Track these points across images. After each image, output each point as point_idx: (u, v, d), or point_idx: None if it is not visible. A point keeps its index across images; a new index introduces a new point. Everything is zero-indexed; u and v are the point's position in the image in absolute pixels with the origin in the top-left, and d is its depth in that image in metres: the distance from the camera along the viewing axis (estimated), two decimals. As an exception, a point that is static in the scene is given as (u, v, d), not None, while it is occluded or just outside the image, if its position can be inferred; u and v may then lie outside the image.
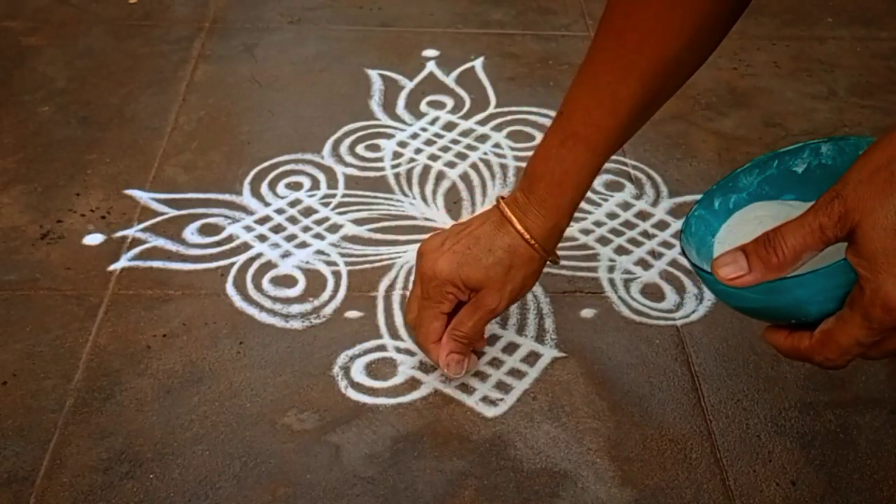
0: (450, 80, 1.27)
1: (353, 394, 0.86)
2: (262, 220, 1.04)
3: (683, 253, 0.64)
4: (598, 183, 1.10)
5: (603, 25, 0.74)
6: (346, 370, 0.88)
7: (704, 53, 0.76)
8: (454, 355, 0.83)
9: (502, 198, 0.80)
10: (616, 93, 0.73)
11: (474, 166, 1.13)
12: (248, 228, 1.03)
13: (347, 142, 1.16)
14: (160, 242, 1.01)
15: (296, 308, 0.94)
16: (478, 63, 1.30)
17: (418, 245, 0.83)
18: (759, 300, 0.58)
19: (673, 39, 0.72)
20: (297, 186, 1.09)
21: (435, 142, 1.16)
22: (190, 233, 1.02)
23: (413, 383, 0.87)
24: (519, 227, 0.79)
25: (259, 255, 1.00)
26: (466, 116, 1.20)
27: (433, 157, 1.14)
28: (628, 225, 1.04)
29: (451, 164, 1.13)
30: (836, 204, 0.53)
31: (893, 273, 0.51)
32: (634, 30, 0.72)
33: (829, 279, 0.54)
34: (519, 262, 0.79)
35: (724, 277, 0.57)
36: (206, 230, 1.03)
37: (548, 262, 0.82)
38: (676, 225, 1.04)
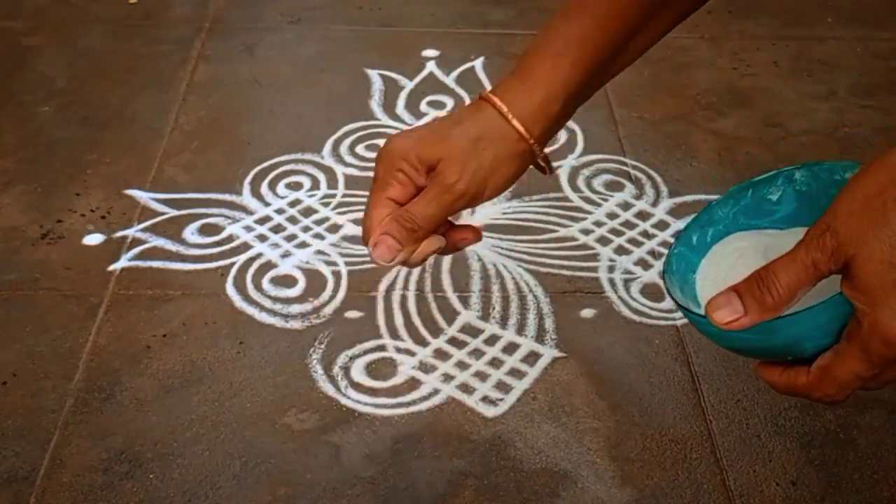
0: (450, 80, 1.27)
1: (353, 394, 0.86)
2: (262, 220, 1.04)
3: (669, 294, 0.63)
4: (598, 183, 1.10)
5: None
6: (346, 370, 0.88)
7: None
8: (387, 237, 0.63)
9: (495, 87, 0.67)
10: None
11: (474, 166, 1.13)
12: (248, 228, 1.03)
13: (347, 142, 1.16)
14: (160, 242, 1.01)
15: (296, 308, 0.94)
16: (478, 63, 1.30)
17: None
18: (753, 340, 0.57)
19: None
20: (297, 186, 1.09)
21: (435, 142, 1.16)
22: (190, 233, 1.02)
23: (413, 383, 0.87)
24: (497, 101, 0.64)
25: (259, 255, 1.00)
26: (466, 116, 1.20)
27: (433, 157, 1.14)
28: (628, 225, 1.04)
29: (451, 164, 1.13)
30: (828, 237, 0.52)
31: (891, 305, 0.50)
32: None
33: (824, 315, 0.54)
34: (490, 136, 0.63)
35: (720, 322, 0.55)
36: (206, 230, 1.03)
37: (539, 159, 0.66)
38: (676, 225, 1.04)
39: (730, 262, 0.64)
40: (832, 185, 0.61)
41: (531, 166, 0.65)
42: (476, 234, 0.67)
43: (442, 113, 1.21)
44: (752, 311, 0.55)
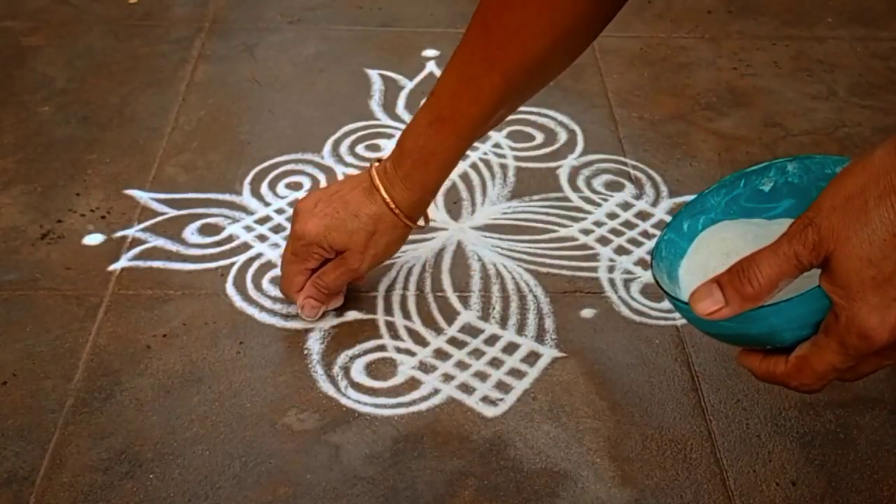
0: (450, 80, 1.26)
1: (353, 394, 0.86)
2: (262, 220, 1.04)
3: (655, 279, 0.63)
4: (598, 183, 1.10)
5: (476, 16, 0.78)
6: (346, 370, 0.88)
7: (570, 56, 0.80)
8: (311, 300, 0.89)
9: (376, 163, 0.85)
10: (480, 84, 0.78)
11: (474, 166, 1.13)
12: (248, 228, 1.03)
13: (347, 142, 1.16)
14: (160, 242, 1.01)
15: (296, 308, 0.94)
16: (478, 63, 1.30)
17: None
18: (733, 328, 0.58)
19: (537, 40, 0.76)
20: (297, 186, 1.09)
21: (435, 142, 1.16)
22: (190, 233, 1.02)
23: (413, 383, 0.87)
24: (385, 196, 0.84)
25: (259, 255, 1.00)
26: (466, 116, 1.20)
27: (433, 157, 1.14)
28: (628, 225, 1.04)
29: (451, 164, 1.13)
30: (810, 232, 0.52)
31: (868, 301, 0.51)
32: (501, 28, 0.76)
33: (803, 307, 0.54)
34: (383, 228, 0.85)
35: (702, 313, 0.57)
36: (206, 230, 1.03)
37: (414, 229, 0.87)
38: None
39: (716, 249, 0.65)
40: (823, 179, 0.62)
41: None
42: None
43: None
44: (733, 301, 0.56)
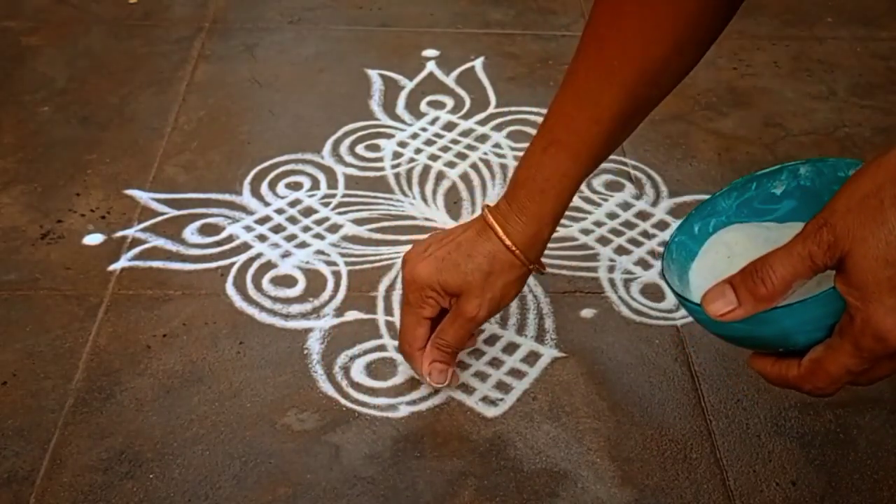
0: (450, 80, 1.27)
1: (353, 394, 0.86)
2: (262, 220, 1.04)
3: (665, 281, 0.63)
4: (598, 183, 1.10)
5: (587, 31, 0.73)
6: (346, 370, 0.88)
7: (690, 61, 0.74)
8: (437, 364, 0.81)
9: (488, 206, 0.79)
10: (598, 100, 0.72)
11: (474, 166, 1.13)
12: (248, 228, 1.03)
13: (347, 142, 1.16)
14: (160, 242, 1.01)
15: (296, 308, 0.94)
16: (478, 63, 1.30)
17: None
18: (746, 330, 0.57)
19: (656, 48, 0.70)
20: (297, 186, 1.09)
21: (435, 142, 1.16)
22: (190, 233, 1.02)
23: (413, 383, 0.87)
24: (500, 232, 0.77)
25: (259, 255, 1.00)
26: (466, 116, 1.20)
27: (433, 157, 1.14)
28: (628, 225, 1.04)
29: (451, 164, 1.13)
30: (825, 232, 0.52)
31: (884, 303, 0.51)
32: (617, 37, 0.71)
33: (817, 309, 0.54)
34: (499, 268, 0.78)
35: (715, 314, 0.55)
36: (205, 230, 1.03)
37: (533, 272, 0.80)
38: (676, 225, 1.03)
39: (726, 252, 0.64)
40: (835, 182, 0.61)
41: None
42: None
43: (441, 114, 1.21)
44: (746, 302, 0.56)
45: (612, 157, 1.13)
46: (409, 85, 1.26)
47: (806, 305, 0.54)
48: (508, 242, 0.77)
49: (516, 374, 0.88)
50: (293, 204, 1.06)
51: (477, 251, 0.77)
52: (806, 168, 0.64)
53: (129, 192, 1.08)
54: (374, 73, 1.28)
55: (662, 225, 1.04)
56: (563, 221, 1.04)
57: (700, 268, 0.65)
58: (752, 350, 0.61)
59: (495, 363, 0.89)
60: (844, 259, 0.51)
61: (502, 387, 0.87)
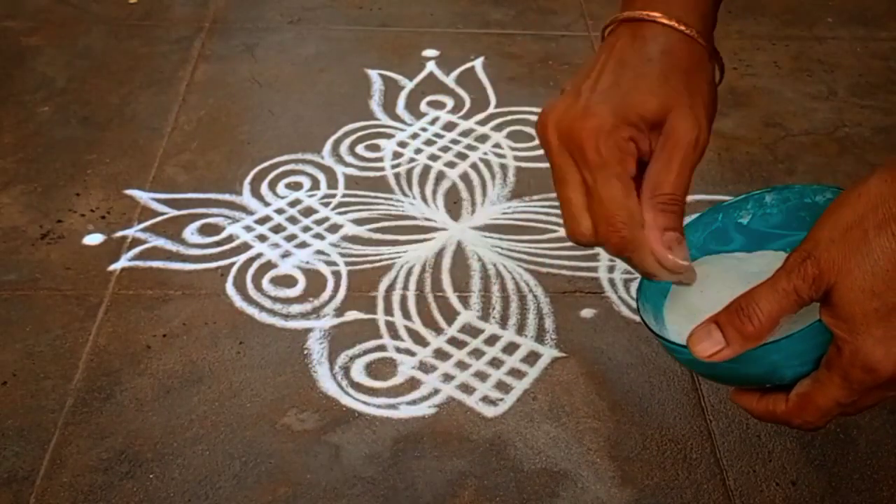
0: (450, 80, 1.27)
1: (353, 394, 0.86)
2: (262, 220, 1.04)
3: (643, 321, 0.62)
4: (598, 183, 1.10)
5: None
6: (346, 370, 0.88)
7: None
8: (670, 233, 0.56)
9: (611, 20, 0.56)
10: None
11: (474, 166, 1.13)
12: (248, 228, 1.03)
13: (347, 142, 1.16)
14: (160, 242, 1.01)
15: (296, 308, 0.94)
16: (478, 63, 1.30)
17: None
18: (732, 369, 0.56)
19: None
20: (297, 186, 1.09)
21: (435, 142, 1.16)
22: (190, 233, 1.02)
23: (413, 383, 0.87)
24: (663, 18, 0.54)
25: (259, 255, 1.00)
26: (466, 116, 1.20)
27: (433, 157, 1.14)
28: (628, 225, 1.04)
29: (451, 164, 1.13)
30: (809, 265, 0.51)
31: (872, 334, 0.50)
32: None
33: (804, 342, 0.53)
34: (686, 63, 0.55)
35: (703, 355, 0.54)
36: (206, 230, 1.03)
37: (715, 61, 0.57)
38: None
39: (699, 286, 0.63)
40: (802, 209, 0.61)
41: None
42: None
43: (441, 114, 1.21)
44: (734, 342, 0.54)
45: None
46: (409, 85, 1.26)
47: (793, 340, 0.53)
48: (679, 26, 0.54)
49: (516, 374, 0.88)
50: (293, 204, 1.06)
51: (648, 53, 0.54)
52: (771, 196, 0.64)
53: (129, 192, 1.08)
54: (374, 73, 1.28)
55: (662, 225, 1.04)
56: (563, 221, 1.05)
57: (674, 304, 0.64)
58: (736, 386, 0.60)
59: (495, 363, 0.89)
60: (830, 292, 0.51)
61: (502, 387, 0.87)
